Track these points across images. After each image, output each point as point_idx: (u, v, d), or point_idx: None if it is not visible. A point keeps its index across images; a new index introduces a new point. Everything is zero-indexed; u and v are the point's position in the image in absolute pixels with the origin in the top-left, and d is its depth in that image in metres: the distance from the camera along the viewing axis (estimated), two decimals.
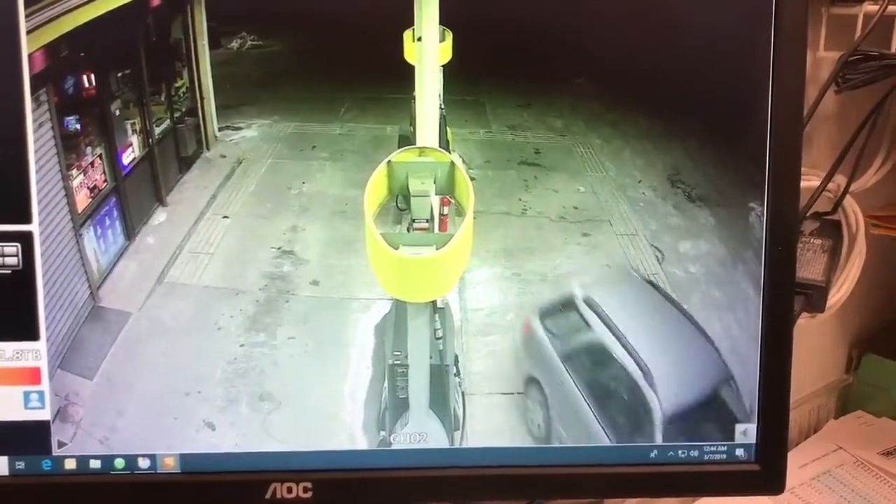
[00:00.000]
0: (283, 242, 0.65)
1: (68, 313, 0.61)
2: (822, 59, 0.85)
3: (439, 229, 0.65)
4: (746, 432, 0.64)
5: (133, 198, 0.65)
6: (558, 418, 0.58)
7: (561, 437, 0.58)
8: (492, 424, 0.64)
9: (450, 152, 0.62)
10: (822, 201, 0.85)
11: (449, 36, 0.60)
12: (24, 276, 0.58)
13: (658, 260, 0.64)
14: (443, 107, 0.62)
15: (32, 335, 0.59)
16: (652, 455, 0.64)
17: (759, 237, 0.63)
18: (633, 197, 0.64)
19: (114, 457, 0.61)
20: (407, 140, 0.63)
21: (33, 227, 0.58)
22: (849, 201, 0.85)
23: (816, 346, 1.05)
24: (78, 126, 0.60)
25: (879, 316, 1.11)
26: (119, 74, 0.61)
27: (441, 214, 0.65)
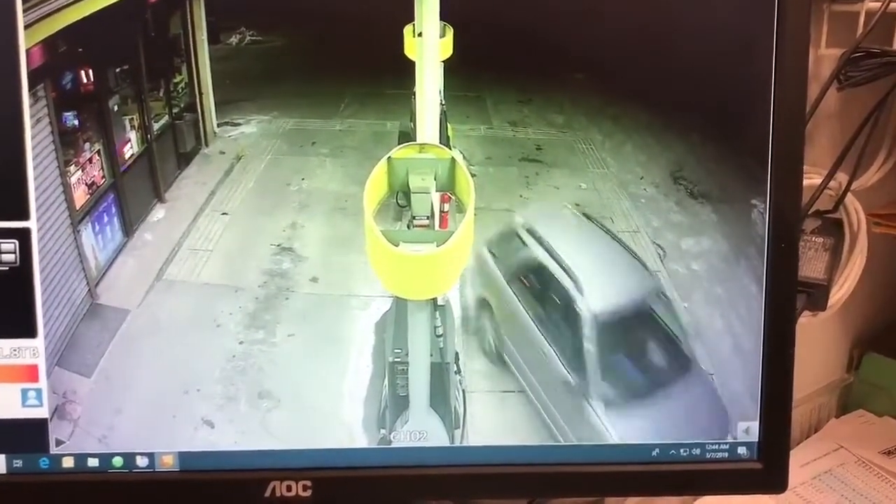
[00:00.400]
0: (282, 239, 0.65)
1: (66, 310, 0.60)
2: (823, 56, 0.84)
3: (440, 226, 0.64)
4: (749, 430, 0.64)
5: (131, 194, 0.65)
6: (506, 332, 0.63)
7: (510, 350, 0.63)
8: (492, 422, 0.64)
9: (450, 148, 0.62)
10: (824, 199, 0.85)
11: (450, 31, 0.60)
12: (21, 273, 0.58)
13: (660, 257, 0.64)
14: (443, 103, 0.62)
15: (30, 332, 0.59)
16: (653, 453, 0.63)
17: (761, 234, 0.63)
18: (634, 193, 0.64)
19: (112, 455, 0.61)
20: (407, 136, 0.63)
21: (31, 224, 0.58)
22: (850, 199, 0.85)
23: (818, 344, 1.04)
24: (76, 122, 0.59)
25: (881, 315, 1.11)
26: (117, 70, 0.61)
27: (441, 211, 0.65)
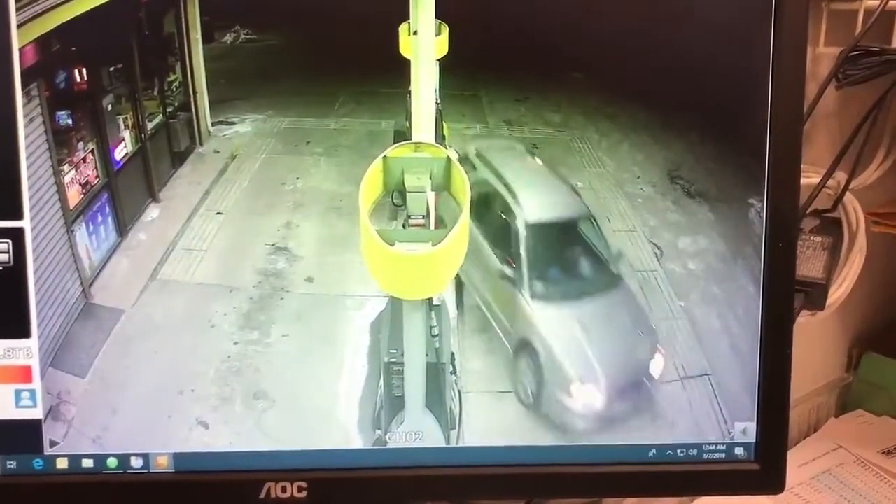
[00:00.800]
0: (277, 239, 0.65)
1: (60, 311, 0.60)
2: (822, 54, 0.84)
3: (435, 226, 0.64)
4: (746, 431, 0.64)
5: (125, 194, 0.65)
6: None
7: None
8: (488, 423, 0.64)
9: (446, 147, 0.62)
10: (822, 198, 0.85)
11: (445, 30, 0.60)
12: (14, 273, 0.58)
13: (657, 257, 0.64)
14: (439, 101, 0.62)
15: (24, 333, 0.58)
16: (650, 454, 0.63)
17: (758, 234, 0.62)
18: (631, 192, 0.64)
19: (106, 456, 0.61)
20: (402, 135, 0.62)
21: (24, 224, 0.57)
22: (849, 198, 0.85)
23: (816, 344, 1.04)
24: (70, 121, 0.59)
25: (880, 314, 1.10)
26: (111, 69, 0.61)
27: (437, 210, 0.64)
